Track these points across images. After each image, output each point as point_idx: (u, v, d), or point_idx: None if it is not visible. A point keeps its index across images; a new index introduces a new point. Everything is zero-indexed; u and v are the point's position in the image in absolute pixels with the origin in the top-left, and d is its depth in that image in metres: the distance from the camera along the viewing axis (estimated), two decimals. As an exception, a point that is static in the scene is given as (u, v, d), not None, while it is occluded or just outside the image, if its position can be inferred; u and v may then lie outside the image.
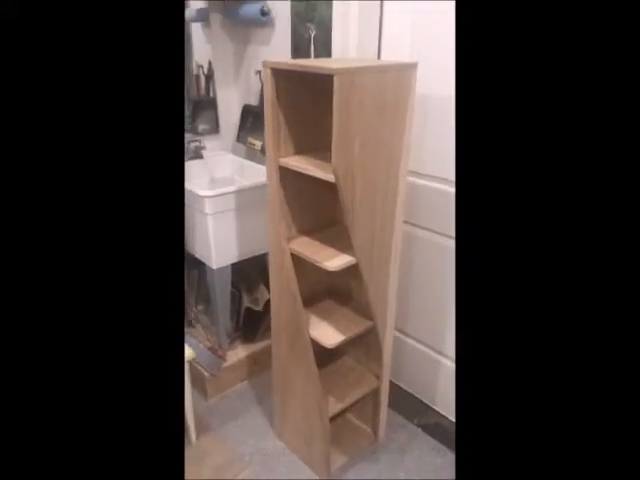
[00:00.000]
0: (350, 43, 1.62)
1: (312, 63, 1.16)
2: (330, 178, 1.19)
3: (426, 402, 1.89)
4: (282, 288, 1.46)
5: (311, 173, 1.25)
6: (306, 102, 1.34)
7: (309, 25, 1.75)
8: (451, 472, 1.63)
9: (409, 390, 1.94)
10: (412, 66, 1.25)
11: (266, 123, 1.31)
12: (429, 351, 1.83)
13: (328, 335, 1.44)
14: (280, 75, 1.25)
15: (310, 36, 1.76)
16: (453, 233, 1.61)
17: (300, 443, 1.66)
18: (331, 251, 1.39)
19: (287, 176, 1.37)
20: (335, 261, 1.33)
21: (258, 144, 2.09)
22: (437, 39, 1.46)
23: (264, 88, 1.28)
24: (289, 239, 1.43)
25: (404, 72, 1.23)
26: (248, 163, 2.10)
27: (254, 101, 2.12)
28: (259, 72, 2.04)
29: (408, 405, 1.89)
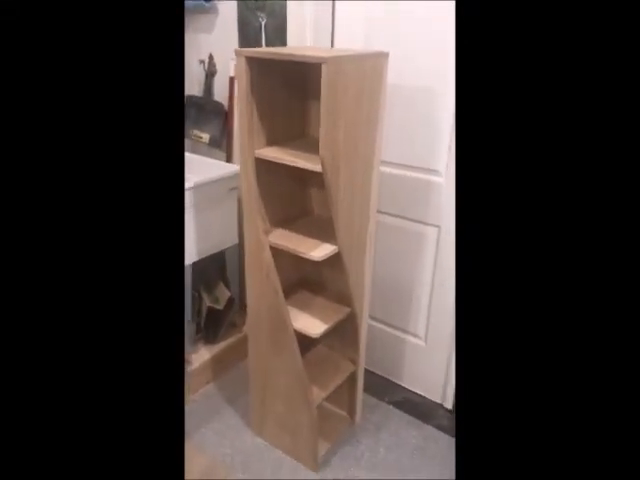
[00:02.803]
0: (307, 32, 1.61)
1: (295, 52, 1.14)
2: (316, 168, 1.18)
3: (393, 380, 1.97)
4: (262, 282, 1.43)
5: (297, 164, 1.23)
6: (277, 92, 1.32)
7: (259, 13, 1.71)
8: (427, 443, 1.72)
9: (377, 371, 2.00)
10: (384, 55, 1.27)
11: (240, 115, 1.27)
12: (393, 330, 1.91)
13: (312, 325, 1.45)
14: (254, 64, 1.21)
15: (260, 24, 1.72)
16: (412, 216, 1.68)
17: (283, 437, 1.65)
18: (312, 242, 1.38)
19: (260, 168, 1.34)
20: (319, 251, 1.33)
21: (205, 137, 2.01)
22: (390, 28, 1.50)
23: (236, 78, 1.24)
24: (266, 232, 1.41)
25: (378, 61, 1.25)
26: (196, 157, 2.01)
27: (197, 92, 2.03)
28: (202, 61, 1.96)
29: (377, 385, 1.95)
